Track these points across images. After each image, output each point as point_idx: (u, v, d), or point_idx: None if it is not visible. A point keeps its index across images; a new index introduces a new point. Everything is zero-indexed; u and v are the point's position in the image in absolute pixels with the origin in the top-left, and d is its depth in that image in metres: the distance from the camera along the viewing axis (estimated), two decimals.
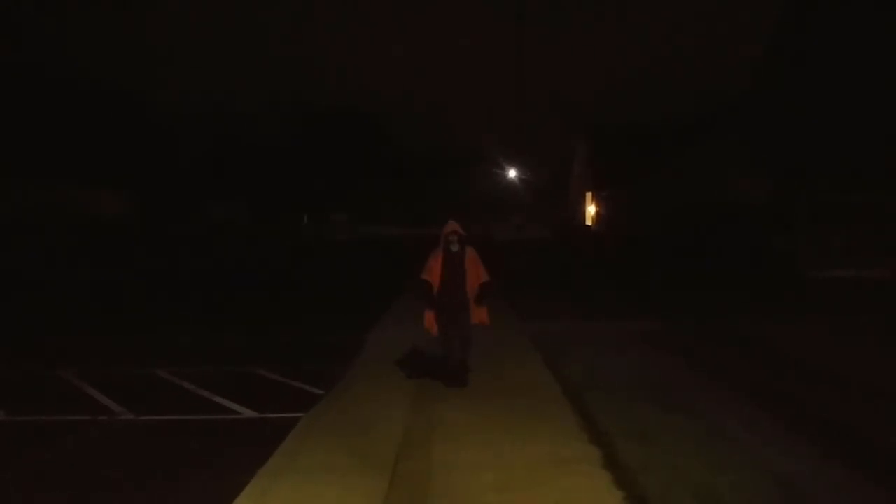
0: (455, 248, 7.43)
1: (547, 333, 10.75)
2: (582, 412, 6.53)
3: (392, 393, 7.29)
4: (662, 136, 34.21)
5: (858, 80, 22.23)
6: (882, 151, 21.09)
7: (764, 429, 6.19)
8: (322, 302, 15.43)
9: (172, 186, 39.25)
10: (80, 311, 14.39)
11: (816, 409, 6.83)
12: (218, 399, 7.39)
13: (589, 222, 43.88)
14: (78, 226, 27.25)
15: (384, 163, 62.39)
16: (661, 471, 5.08)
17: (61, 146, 31.06)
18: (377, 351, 9.48)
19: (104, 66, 35.35)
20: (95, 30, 35.10)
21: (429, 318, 7.46)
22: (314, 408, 6.85)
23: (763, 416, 6.60)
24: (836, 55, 22.94)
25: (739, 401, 7.14)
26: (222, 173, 45.65)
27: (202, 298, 16.35)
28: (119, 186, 35.16)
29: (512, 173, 54.02)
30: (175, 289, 18.40)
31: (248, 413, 6.95)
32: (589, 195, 44.32)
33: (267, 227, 45.09)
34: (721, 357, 9.43)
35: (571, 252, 32.55)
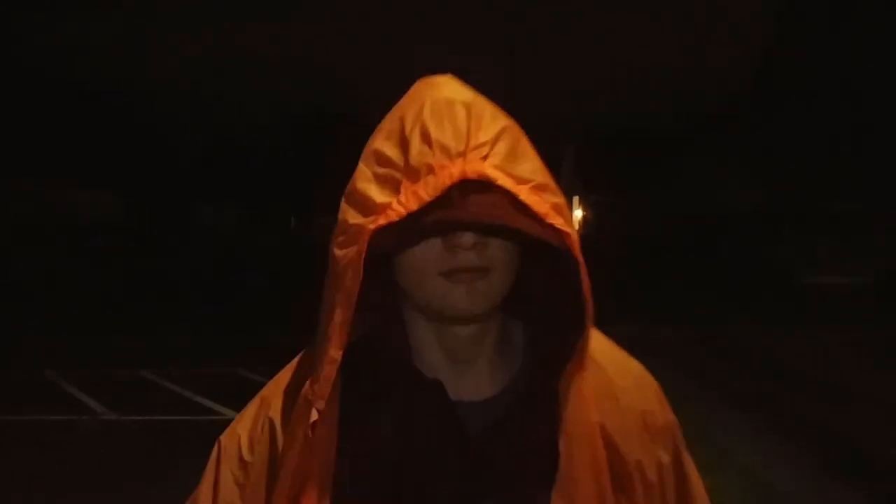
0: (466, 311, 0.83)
1: None
2: None
3: None
4: (652, 141, 34.37)
5: (849, 88, 22.46)
6: (865, 158, 21.33)
7: (750, 434, 6.23)
8: (310, 302, 15.35)
9: (162, 188, 39.06)
10: (65, 312, 14.28)
11: (807, 417, 6.88)
12: (201, 400, 7.36)
13: (576, 227, 43.94)
14: (67, 227, 27.09)
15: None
16: None
17: (50, 146, 30.85)
18: None
19: (96, 66, 35.16)
20: (88, 30, 34.92)
21: None
22: None
23: (751, 421, 6.65)
24: (827, 64, 23.15)
25: (731, 408, 7.17)
26: (213, 176, 45.41)
27: (189, 300, 16.26)
28: (109, 188, 34.96)
29: None
30: (162, 290, 18.28)
31: (230, 414, 6.90)
32: (576, 199, 44.42)
33: (255, 229, 44.91)
34: (713, 364, 9.45)
35: None
